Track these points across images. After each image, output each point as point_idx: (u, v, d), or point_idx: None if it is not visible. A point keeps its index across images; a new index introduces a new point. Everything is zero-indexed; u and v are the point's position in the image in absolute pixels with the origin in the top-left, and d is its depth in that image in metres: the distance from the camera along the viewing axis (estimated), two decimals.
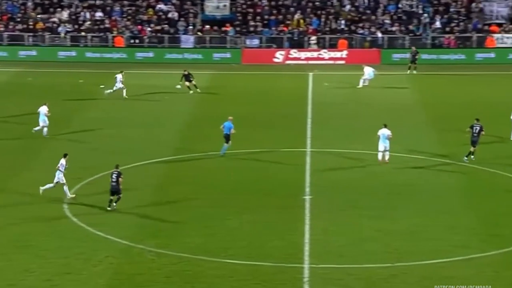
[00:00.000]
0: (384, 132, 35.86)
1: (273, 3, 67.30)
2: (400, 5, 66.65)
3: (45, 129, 40.73)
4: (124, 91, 49.32)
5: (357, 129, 42.35)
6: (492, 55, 62.38)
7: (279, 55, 63.07)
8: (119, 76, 49.62)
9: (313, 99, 50.24)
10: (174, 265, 25.52)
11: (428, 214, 30.10)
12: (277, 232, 28.30)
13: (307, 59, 62.81)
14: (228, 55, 63.53)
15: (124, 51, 64.01)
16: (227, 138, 37.22)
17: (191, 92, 50.51)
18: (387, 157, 36.09)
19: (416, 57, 57.56)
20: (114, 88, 49.24)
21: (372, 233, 28.29)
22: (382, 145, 35.86)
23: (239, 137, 38.21)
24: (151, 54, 63.88)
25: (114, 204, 30.39)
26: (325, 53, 62.87)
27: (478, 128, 36.06)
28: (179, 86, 50.86)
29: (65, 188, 31.25)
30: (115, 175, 30.23)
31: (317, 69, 60.00)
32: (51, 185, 31.31)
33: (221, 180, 34.21)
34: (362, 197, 31.97)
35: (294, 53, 62.99)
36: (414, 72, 56.94)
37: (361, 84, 52.78)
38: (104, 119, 44.55)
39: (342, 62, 62.44)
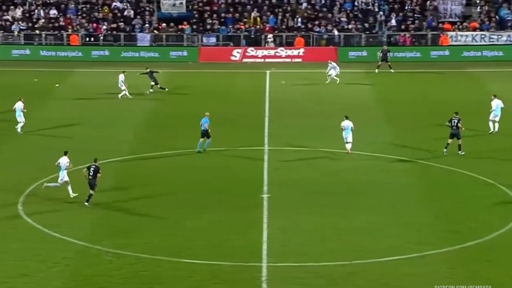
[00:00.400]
0: (348, 124, 36.80)
1: (229, 1, 67.22)
2: (356, 3, 67.05)
3: (20, 125, 40.83)
4: (122, 93, 48.98)
5: (315, 127, 42.51)
6: (447, 52, 63.08)
7: (236, 53, 63.03)
8: (121, 76, 49.16)
9: (270, 97, 50.29)
10: (132, 266, 25.33)
11: (387, 212, 30.30)
12: (235, 231, 28.26)
13: (264, 57, 62.86)
14: (185, 53, 63.30)
15: (80, 50, 63.42)
16: (206, 134, 37.18)
17: (160, 88, 50.04)
18: (349, 149, 36.80)
19: (388, 55, 57.87)
20: (123, 89, 48.84)
21: (330, 231, 28.38)
22: (345, 136, 36.86)
23: (196, 136, 38.07)
24: (107, 53, 63.35)
25: (86, 203, 30.21)
26: (282, 51, 62.99)
27: (456, 121, 36.95)
28: (151, 90, 50.24)
29: (53, 184, 31.16)
30: (93, 169, 30.18)
31: (274, 67, 60.09)
32: (69, 187, 31.03)
33: (179, 180, 34.04)
34: (320, 195, 32.05)
35: (251, 51, 63.00)
36: (392, 70, 57.17)
37: (337, 79, 52.92)
38: (60, 119, 44.06)
39: (299, 60, 62.63)
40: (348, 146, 36.95)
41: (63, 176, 30.88)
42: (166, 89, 50.43)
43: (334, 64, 53.72)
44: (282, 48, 63.15)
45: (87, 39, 64.43)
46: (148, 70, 50.50)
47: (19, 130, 40.74)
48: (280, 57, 62.81)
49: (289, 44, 63.74)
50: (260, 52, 63.01)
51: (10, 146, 39.29)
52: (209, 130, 37.29)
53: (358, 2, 66.98)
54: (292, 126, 42.81)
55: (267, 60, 62.51)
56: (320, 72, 54.68)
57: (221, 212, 30.13)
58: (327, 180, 33.92)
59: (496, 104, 40.77)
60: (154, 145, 39.02)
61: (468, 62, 61.16)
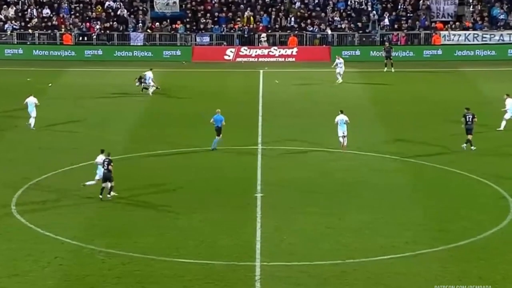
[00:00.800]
0: (342, 117, 37.18)
1: (223, 0, 67.21)
2: (349, 2, 67.11)
3: (32, 121, 41.20)
4: (151, 89, 49.33)
5: (309, 127, 42.52)
6: (440, 52, 63.20)
7: (230, 53, 63.03)
8: (148, 74, 49.34)
9: (264, 96, 50.29)
10: (124, 266, 25.31)
11: (379, 211, 30.31)
12: (228, 231, 28.25)
13: (257, 56, 62.88)
14: (178, 52, 63.28)
15: (73, 49, 63.33)
16: (218, 131, 37.19)
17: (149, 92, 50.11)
18: (345, 142, 37.03)
19: (391, 52, 57.95)
20: (151, 84, 49.26)
21: (323, 230, 28.40)
22: (341, 130, 37.14)
23: (189, 136, 38.06)
24: (100, 52, 63.28)
25: (108, 195, 30.62)
26: (276, 51, 63.01)
27: (470, 116, 37.35)
28: (151, 92, 50.20)
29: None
30: (106, 162, 30.69)
31: (267, 67, 60.09)
32: (93, 182, 31.22)
33: (171, 179, 34.00)
34: (313, 194, 32.06)
35: (244, 50, 63.02)
36: (392, 69, 57.14)
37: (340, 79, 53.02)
38: (53, 118, 44.00)
39: (292, 59, 62.65)
40: (344, 140, 36.98)
41: (100, 173, 31.21)
42: (159, 87, 50.37)
43: (342, 60, 53.71)
44: (276, 48, 63.17)
45: (80, 38, 64.36)
46: (138, 76, 50.57)
47: (31, 125, 41.04)
48: (273, 56, 62.82)
49: (283, 43, 63.78)
50: (253, 52, 63.02)
51: (3, 145, 39.21)
52: (224, 124, 37.15)
53: (351, 2, 67.05)
54: (285, 125, 42.81)
55: (260, 59, 62.53)
56: (314, 71, 54.65)
57: (214, 212, 30.12)
58: (321, 180, 33.92)
59: (510, 103, 41.09)
60: (148, 144, 38.98)
61: (461, 62, 61.30)
